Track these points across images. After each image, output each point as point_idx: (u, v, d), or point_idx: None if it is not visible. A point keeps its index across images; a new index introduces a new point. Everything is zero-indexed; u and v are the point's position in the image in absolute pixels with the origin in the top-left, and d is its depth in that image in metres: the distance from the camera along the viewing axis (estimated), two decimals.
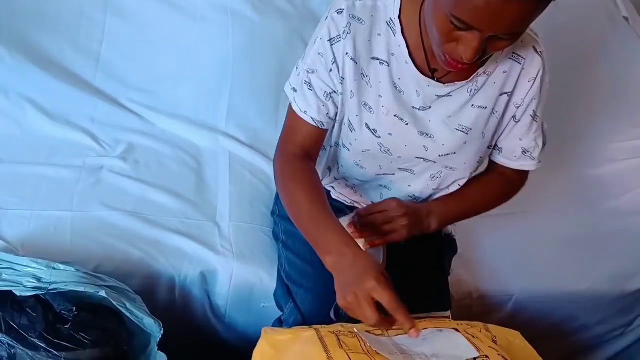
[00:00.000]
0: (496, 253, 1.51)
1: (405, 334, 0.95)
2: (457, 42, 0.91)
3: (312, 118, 1.10)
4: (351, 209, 1.30)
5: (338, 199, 1.31)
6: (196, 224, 1.40)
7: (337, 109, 1.11)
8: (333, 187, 1.30)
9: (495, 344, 1.04)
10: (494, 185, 1.22)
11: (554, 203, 1.66)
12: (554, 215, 1.62)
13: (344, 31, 1.04)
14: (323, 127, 1.12)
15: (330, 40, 1.05)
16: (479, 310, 1.43)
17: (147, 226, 1.37)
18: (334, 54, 1.06)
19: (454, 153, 1.14)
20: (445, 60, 0.96)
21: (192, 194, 1.47)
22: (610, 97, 1.90)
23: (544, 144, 1.20)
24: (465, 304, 1.42)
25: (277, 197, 1.42)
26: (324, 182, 1.32)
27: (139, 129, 1.60)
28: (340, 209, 1.30)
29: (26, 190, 1.39)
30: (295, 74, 1.12)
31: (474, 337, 0.99)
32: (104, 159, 1.51)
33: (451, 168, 1.16)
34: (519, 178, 1.23)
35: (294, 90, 1.11)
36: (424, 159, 1.15)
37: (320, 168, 1.28)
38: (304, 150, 1.12)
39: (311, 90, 1.09)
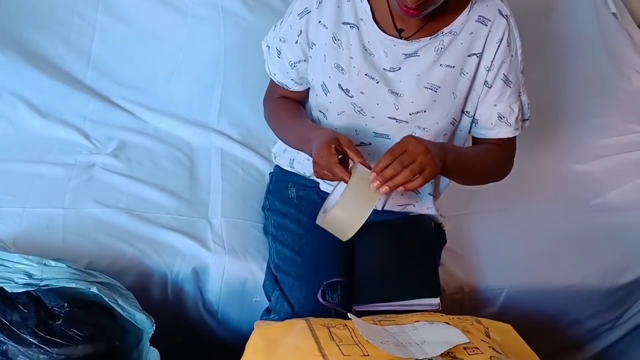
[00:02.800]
0: (487, 248, 1.52)
1: (396, 324, 0.96)
2: None
3: (278, 81, 1.29)
4: None
5: (326, 190, 1.33)
6: (188, 220, 1.40)
7: (302, 75, 1.24)
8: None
9: (488, 336, 1.04)
10: (487, 150, 1.24)
11: (544, 199, 1.67)
12: (544, 210, 1.64)
13: (316, 1, 1.16)
14: (288, 89, 1.29)
15: (299, 14, 1.18)
16: (471, 304, 1.44)
17: (139, 223, 1.37)
18: (301, 25, 1.18)
19: (424, 111, 1.18)
20: (399, 7, 1.04)
21: (185, 191, 1.48)
22: (599, 93, 1.92)
23: (526, 119, 1.25)
24: (456, 299, 1.42)
25: (268, 192, 1.43)
26: (312, 175, 1.33)
27: (131, 127, 1.61)
28: None
29: (18, 188, 1.39)
30: (273, 33, 1.27)
31: (465, 331, 1.00)
32: (96, 156, 1.51)
33: (424, 128, 1.20)
34: (505, 147, 1.26)
35: (268, 49, 1.28)
36: (395, 119, 1.19)
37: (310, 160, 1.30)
38: (286, 98, 1.32)
39: (280, 57, 1.25)
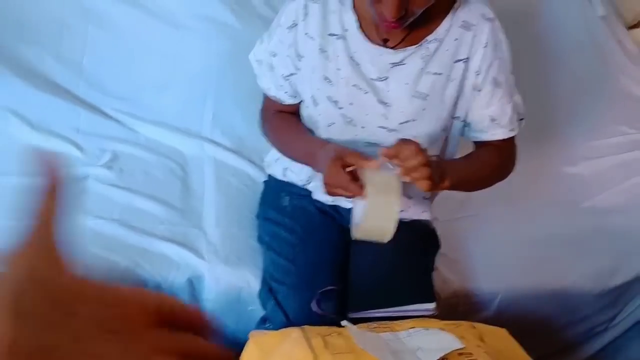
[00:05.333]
0: (481, 252, 1.52)
1: (391, 331, 0.96)
2: (381, 2, 1.00)
3: (272, 95, 1.28)
4: (333, 208, 1.32)
5: (320, 199, 1.33)
6: (182, 230, 1.41)
7: (295, 88, 1.24)
8: (316, 188, 1.32)
9: (483, 342, 1.05)
10: (486, 155, 1.23)
11: (535, 201, 1.68)
12: (535, 213, 1.64)
13: (303, 13, 1.15)
14: (284, 103, 1.28)
15: (288, 27, 1.18)
16: (465, 309, 1.45)
17: (133, 234, 1.37)
18: (290, 39, 1.18)
19: (414, 120, 1.18)
20: (380, 23, 1.04)
21: (178, 201, 1.48)
22: (589, 95, 1.93)
23: (521, 118, 1.24)
24: (451, 303, 1.43)
25: (261, 200, 1.43)
26: (307, 184, 1.34)
27: (124, 138, 1.60)
28: (323, 209, 1.32)
29: (10, 201, 1.38)
30: (260, 47, 1.26)
31: (460, 336, 1.01)
32: (89, 168, 1.51)
33: (414, 137, 1.18)
34: (504, 148, 1.25)
35: (259, 63, 1.27)
36: (386, 128, 1.19)
37: (304, 169, 1.30)
38: (283, 112, 1.31)
39: (272, 72, 1.25)
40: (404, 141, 1.04)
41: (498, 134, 1.22)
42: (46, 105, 1.60)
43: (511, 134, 1.23)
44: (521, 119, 1.25)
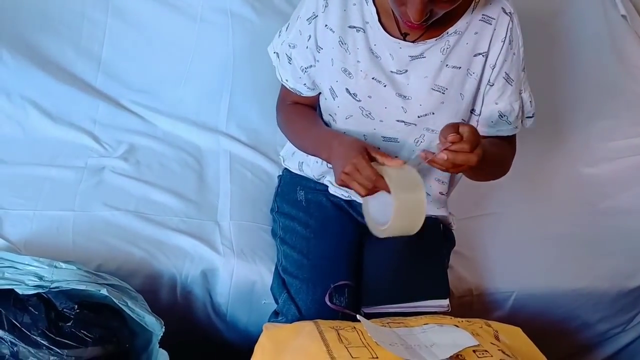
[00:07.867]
0: (496, 251, 1.51)
1: (405, 327, 0.96)
2: (405, 5, 1.01)
3: (290, 87, 1.27)
4: (348, 203, 1.32)
5: (335, 194, 1.33)
6: (197, 223, 1.41)
7: (313, 79, 1.24)
8: (331, 182, 1.32)
9: (497, 339, 1.04)
10: (495, 144, 1.21)
11: (553, 201, 1.67)
12: (553, 213, 1.63)
13: (323, 5, 1.16)
14: (301, 95, 1.27)
15: (307, 19, 1.18)
16: (480, 307, 1.44)
17: (148, 226, 1.37)
18: (310, 30, 1.18)
19: (433, 113, 1.18)
20: (403, 22, 1.05)
21: (193, 194, 1.48)
22: (608, 95, 1.91)
23: (529, 116, 1.24)
24: (465, 302, 1.42)
25: (276, 194, 1.44)
26: (322, 178, 1.33)
27: (141, 130, 1.62)
28: (338, 204, 1.31)
29: (29, 191, 1.40)
30: (279, 40, 1.27)
31: (474, 334, 1.00)
32: (106, 159, 1.52)
33: (432, 130, 1.19)
34: (506, 144, 1.24)
35: (277, 55, 1.27)
36: (404, 122, 1.19)
37: (319, 163, 1.30)
38: (299, 104, 1.31)
39: (291, 63, 1.25)
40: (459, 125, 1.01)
41: (504, 130, 1.22)
42: (65, 96, 1.61)
43: (515, 132, 1.24)
44: (529, 117, 1.25)
